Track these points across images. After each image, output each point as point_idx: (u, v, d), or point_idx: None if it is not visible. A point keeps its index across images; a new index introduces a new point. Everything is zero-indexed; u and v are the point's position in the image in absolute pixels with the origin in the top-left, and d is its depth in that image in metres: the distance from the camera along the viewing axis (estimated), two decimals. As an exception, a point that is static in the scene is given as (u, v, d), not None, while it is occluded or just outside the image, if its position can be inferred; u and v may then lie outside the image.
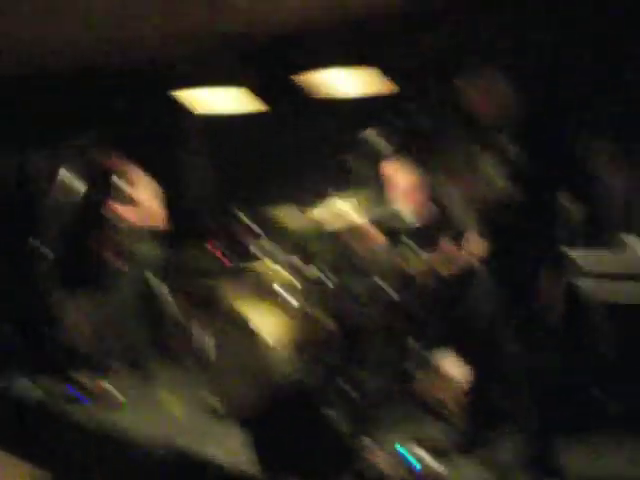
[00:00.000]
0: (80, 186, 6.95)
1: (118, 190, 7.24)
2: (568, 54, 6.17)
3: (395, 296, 6.26)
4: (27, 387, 7.27)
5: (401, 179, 6.35)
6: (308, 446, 4.99)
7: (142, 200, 7.21)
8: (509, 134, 4.73)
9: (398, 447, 5.16)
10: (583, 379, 5.43)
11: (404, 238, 6.21)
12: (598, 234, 6.01)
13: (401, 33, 6.94)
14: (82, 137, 7.44)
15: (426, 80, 6.69)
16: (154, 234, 7.35)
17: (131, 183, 7.21)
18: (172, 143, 9.19)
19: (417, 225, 6.35)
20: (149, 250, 7.34)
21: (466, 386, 5.69)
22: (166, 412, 6.58)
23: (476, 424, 5.44)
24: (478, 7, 6.39)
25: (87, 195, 6.96)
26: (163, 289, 8.09)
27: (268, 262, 6.78)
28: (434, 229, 6.16)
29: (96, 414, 6.54)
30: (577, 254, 5.33)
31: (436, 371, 5.89)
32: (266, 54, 7.91)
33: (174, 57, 8.50)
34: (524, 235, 4.73)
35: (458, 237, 5.99)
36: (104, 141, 7.21)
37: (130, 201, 7.18)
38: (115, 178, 7.22)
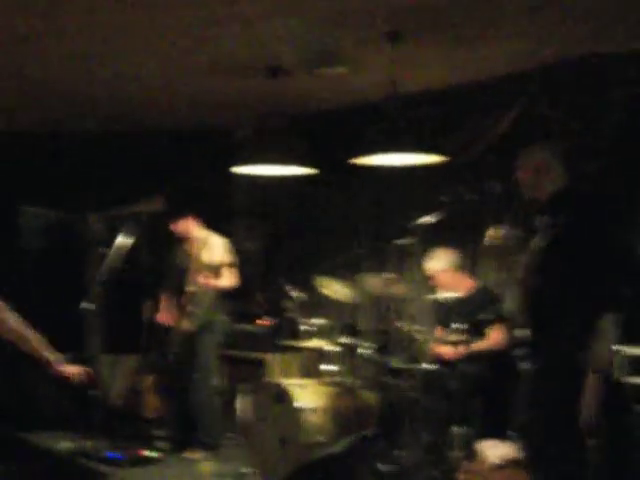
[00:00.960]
0: (140, 253, 7.00)
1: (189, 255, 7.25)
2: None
3: (440, 379, 6.25)
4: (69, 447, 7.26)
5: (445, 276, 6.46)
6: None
7: (221, 264, 7.08)
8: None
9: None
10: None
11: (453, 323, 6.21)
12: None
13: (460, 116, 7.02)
14: (142, 202, 7.41)
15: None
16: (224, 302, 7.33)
17: (208, 247, 7.13)
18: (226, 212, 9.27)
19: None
20: (221, 318, 7.35)
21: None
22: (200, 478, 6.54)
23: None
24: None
25: (146, 261, 6.99)
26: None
27: (317, 340, 6.76)
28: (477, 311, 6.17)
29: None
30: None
31: (479, 459, 5.78)
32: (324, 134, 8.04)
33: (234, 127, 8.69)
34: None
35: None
36: (171, 206, 7.15)
37: (205, 267, 7.04)
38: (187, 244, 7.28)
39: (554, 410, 4.56)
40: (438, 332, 6.48)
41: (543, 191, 4.74)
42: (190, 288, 7.07)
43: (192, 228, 7.27)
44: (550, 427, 4.59)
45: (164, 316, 7.32)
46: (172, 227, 7.25)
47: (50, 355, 4.75)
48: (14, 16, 5.34)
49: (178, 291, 7.23)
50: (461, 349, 6.09)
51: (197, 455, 6.91)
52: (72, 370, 4.78)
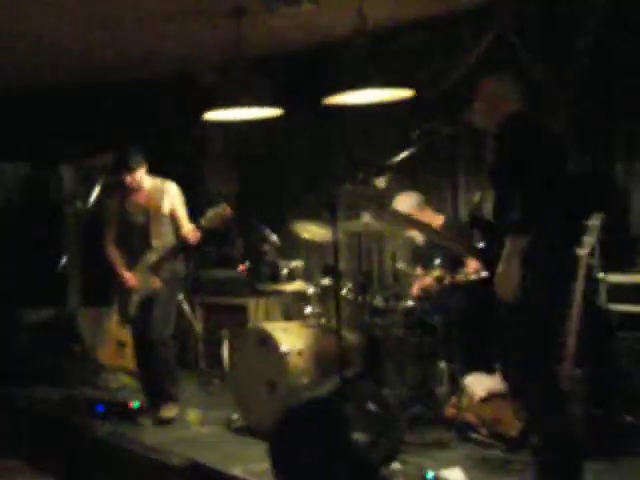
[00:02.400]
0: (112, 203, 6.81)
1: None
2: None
3: (423, 313, 6.26)
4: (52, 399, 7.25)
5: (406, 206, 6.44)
6: (332, 468, 4.90)
7: (179, 216, 6.74)
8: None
9: (428, 473, 5.04)
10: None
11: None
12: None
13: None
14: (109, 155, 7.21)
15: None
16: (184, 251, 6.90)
17: (167, 195, 6.71)
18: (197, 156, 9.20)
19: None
20: (180, 267, 6.91)
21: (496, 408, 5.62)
22: (188, 428, 6.54)
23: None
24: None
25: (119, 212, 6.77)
26: (188, 306, 8.09)
27: (297, 283, 6.74)
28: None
29: (117, 428, 6.50)
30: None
31: (467, 394, 5.80)
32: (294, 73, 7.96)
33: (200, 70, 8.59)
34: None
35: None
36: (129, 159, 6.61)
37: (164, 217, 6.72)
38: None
39: (530, 342, 4.52)
40: (419, 270, 6.46)
41: (495, 121, 4.68)
42: (156, 242, 6.68)
43: (145, 177, 6.75)
44: (527, 358, 4.56)
45: (131, 279, 6.74)
46: (125, 179, 6.65)
47: None
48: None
49: (136, 246, 6.77)
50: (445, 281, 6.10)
51: (172, 412, 6.69)
52: None
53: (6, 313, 8.44)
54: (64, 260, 6.31)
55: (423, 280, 6.43)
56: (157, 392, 6.79)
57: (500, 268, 4.33)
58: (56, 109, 9.39)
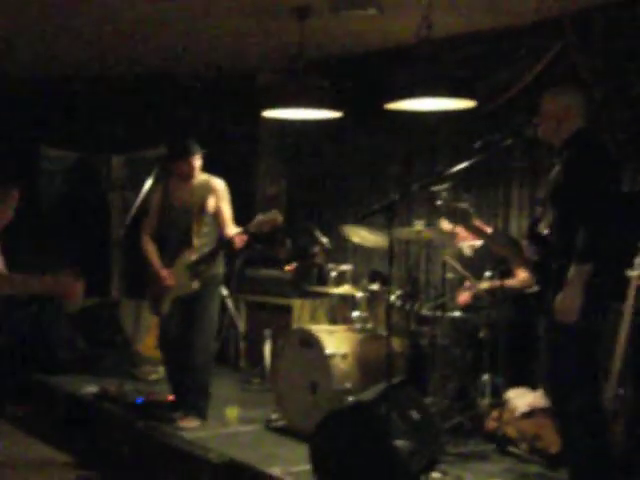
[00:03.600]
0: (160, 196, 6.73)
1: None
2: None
3: (469, 326, 6.23)
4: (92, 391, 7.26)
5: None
6: (372, 473, 4.89)
7: (225, 216, 6.51)
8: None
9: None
10: None
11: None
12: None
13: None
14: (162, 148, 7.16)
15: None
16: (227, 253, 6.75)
17: (213, 192, 6.47)
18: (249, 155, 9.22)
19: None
20: (221, 269, 6.64)
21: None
22: (227, 426, 6.50)
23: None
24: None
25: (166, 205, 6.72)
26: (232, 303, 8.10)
27: (345, 286, 6.73)
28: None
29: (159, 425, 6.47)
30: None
31: (509, 408, 5.78)
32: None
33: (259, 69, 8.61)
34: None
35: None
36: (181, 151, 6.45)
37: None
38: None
39: (568, 362, 4.51)
40: (468, 280, 6.43)
41: (560, 137, 4.66)
42: (197, 241, 6.45)
43: (196, 169, 6.51)
44: (565, 379, 4.55)
45: (168, 277, 6.47)
46: (181, 166, 6.46)
47: (55, 279, 4.55)
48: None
49: (175, 243, 6.56)
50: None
51: (192, 424, 6.42)
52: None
53: (49, 300, 8.45)
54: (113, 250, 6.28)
55: (471, 291, 6.40)
56: (181, 399, 6.59)
57: (564, 292, 4.33)
58: (109, 100, 9.47)
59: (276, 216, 6.21)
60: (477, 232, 5.84)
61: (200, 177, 6.55)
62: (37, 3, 6.45)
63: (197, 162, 6.48)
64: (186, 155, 6.43)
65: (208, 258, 6.43)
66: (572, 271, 4.30)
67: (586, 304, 4.34)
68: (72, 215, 9.61)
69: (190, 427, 6.37)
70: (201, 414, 6.49)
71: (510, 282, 6.18)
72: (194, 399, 6.51)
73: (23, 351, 8.17)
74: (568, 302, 4.33)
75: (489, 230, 6.53)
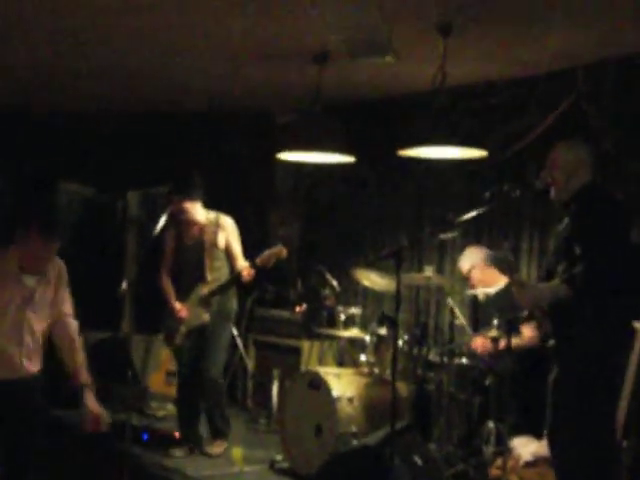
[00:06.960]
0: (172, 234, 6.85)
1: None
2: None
3: (475, 373, 6.24)
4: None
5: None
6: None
7: (234, 251, 6.78)
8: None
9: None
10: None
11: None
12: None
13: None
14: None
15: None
16: (237, 287, 6.95)
17: (222, 229, 6.75)
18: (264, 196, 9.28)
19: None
20: (231, 303, 6.90)
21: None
22: (231, 465, 6.52)
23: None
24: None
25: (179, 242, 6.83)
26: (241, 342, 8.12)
27: (354, 329, 6.77)
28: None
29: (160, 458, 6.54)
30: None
31: (512, 456, 5.77)
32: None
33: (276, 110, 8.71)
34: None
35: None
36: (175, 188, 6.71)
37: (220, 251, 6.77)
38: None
39: (573, 413, 4.53)
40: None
41: (568, 191, 4.71)
42: (210, 276, 6.72)
43: (198, 211, 6.74)
44: (571, 429, 4.57)
45: (182, 310, 6.76)
46: (175, 209, 6.64)
47: (86, 379, 4.84)
48: None
49: (190, 279, 6.80)
50: (500, 345, 6.06)
51: (220, 448, 6.74)
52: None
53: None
54: (124, 285, 6.30)
55: (479, 338, 6.41)
56: (193, 427, 6.86)
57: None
58: (127, 137, 9.57)
59: (281, 250, 6.49)
60: (519, 284, 5.86)
61: (207, 215, 6.80)
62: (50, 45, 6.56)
63: (189, 205, 6.68)
64: (179, 196, 6.66)
65: (220, 290, 6.72)
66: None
67: (597, 356, 4.39)
68: (88, 248, 9.66)
69: (219, 452, 6.72)
70: (225, 436, 6.83)
71: (516, 341, 6.18)
72: (217, 424, 6.82)
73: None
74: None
75: (503, 279, 6.57)
